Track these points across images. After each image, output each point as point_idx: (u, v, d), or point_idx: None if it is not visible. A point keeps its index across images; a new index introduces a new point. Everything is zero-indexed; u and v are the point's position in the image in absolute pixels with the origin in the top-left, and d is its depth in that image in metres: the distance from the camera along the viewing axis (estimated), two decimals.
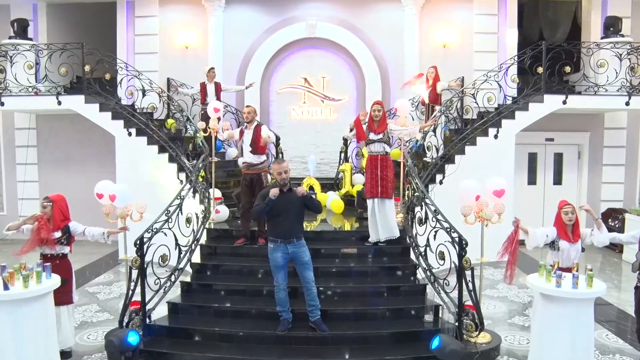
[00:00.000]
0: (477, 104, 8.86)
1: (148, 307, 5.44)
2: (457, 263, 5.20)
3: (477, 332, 5.14)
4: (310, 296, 5.29)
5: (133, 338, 4.83)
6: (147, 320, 5.43)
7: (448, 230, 5.33)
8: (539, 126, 9.26)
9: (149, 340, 5.29)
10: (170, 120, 9.32)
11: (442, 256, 5.47)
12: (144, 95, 9.05)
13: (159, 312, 5.69)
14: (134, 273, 5.28)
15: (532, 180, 10.97)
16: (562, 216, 4.91)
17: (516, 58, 9.30)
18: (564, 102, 8.92)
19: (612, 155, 10.74)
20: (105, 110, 9.09)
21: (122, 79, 9.34)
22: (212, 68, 9.74)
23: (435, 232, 5.59)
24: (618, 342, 5.71)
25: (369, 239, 6.61)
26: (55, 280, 4.45)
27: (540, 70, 8.81)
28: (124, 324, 5.22)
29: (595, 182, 10.83)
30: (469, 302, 5.22)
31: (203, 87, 9.70)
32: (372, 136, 6.51)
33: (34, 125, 10.90)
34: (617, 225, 9.96)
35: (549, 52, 8.86)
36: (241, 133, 6.83)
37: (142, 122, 8.75)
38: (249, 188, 6.70)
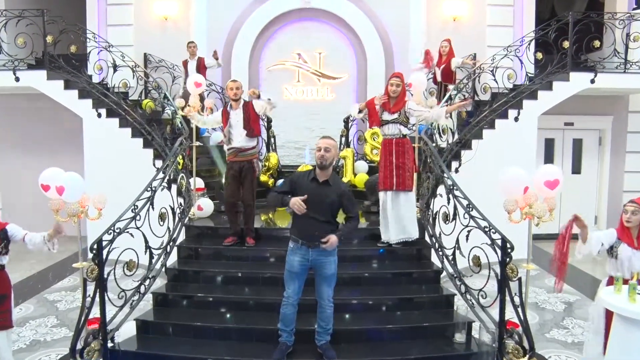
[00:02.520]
0: (497, 82, 7.82)
1: (110, 327, 4.32)
2: (498, 271, 4.16)
3: (527, 359, 4.10)
4: (322, 316, 4.22)
5: None
6: (110, 344, 4.31)
7: (487, 230, 4.28)
8: (557, 109, 8.25)
9: None
10: (145, 101, 8.15)
11: (477, 262, 4.42)
12: (115, 70, 7.84)
13: (126, 332, 4.58)
14: (91, 286, 4.15)
15: None
16: (622, 215, 3.99)
17: (539, 31, 8.24)
18: (592, 81, 7.89)
19: (636, 142, 9.76)
20: (71, 88, 7.88)
21: (90, 51, 8.10)
22: (192, 42, 8.56)
23: (469, 231, 4.53)
24: None
25: (382, 239, 5.56)
26: None
27: (566, 44, 7.77)
28: (79, 350, 4.09)
29: (617, 171, 9.90)
30: (513, 319, 4.21)
31: (185, 64, 8.55)
32: (385, 115, 5.41)
33: None
34: None
35: (577, 24, 7.83)
36: (225, 116, 5.58)
37: (113, 102, 7.57)
38: (237, 178, 5.58)
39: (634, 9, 8.49)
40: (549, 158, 9.98)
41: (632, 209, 4.00)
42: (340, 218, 4.22)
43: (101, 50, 8.12)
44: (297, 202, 3.92)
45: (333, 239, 3.97)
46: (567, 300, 6.50)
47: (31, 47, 7.76)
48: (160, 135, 7.11)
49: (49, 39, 7.67)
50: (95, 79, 8.21)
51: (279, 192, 4.18)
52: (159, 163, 7.21)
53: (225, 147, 5.71)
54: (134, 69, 7.97)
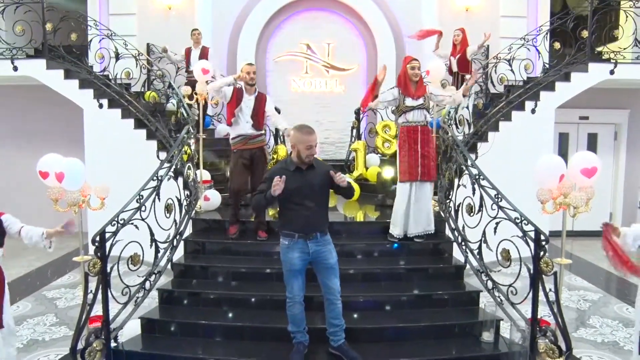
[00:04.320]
0: (513, 72, 7.55)
1: (113, 325, 4.03)
2: (530, 266, 3.88)
3: (563, 359, 3.81)
4: (334, 313, 3.92)
5: None
6: (113, 344, 4.02)
7: (518, 221, 3.99)
8: (571, 102, 7.97)
9: None
10: (148, 92, 7.87)
11: (506, 256, 4.13)
12: (117, 59, 7.54)
13: (130, 331, 4.29)
14: (93, 281, 3.85)
15: None
16: None
17: (557, 21, 7.96)
18: (612, 72, 7.59)
19: None
20: (71, 78, 7.59)
21: (92, 39, 7.80)
22: (196, 29, 8.28)
23: (497, 223, 4.24)
24: None
25: (392, 232, 5.28)
26: None
27: (584, 34, 7.48)
28: (80, 350, 3.80)
29: (633, 167, 9.67)
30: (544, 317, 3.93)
31: (187, 52, 8.26)
32: (409, 102, 5.12)
33: None
34: None
35: (596, 13, 7.54)
36: (237, 96, 5.25)
37: (116, 92, 7.28)
38: (247, 167, 5.27)
39: None
40: (562, 153, 9.69)
41: None
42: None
43: (102, 39, 7.84)
44: (275, 183, 3.63)
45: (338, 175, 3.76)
46: (590, 298, 6.22)
47: (30, 35, 7.48)
48: (165, 126, 6.83)
49: (48, 26, 7.39)
50: (97, 69, 7.93)
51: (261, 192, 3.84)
52: (163, 155, 6.93)
53: (231, 136, 5.37)
54: (137, 57, 7.67)
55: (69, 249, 8.00)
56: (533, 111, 7.57)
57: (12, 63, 7.48)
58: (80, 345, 3.80)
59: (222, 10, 9.23)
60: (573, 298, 6.22)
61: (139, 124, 7.29)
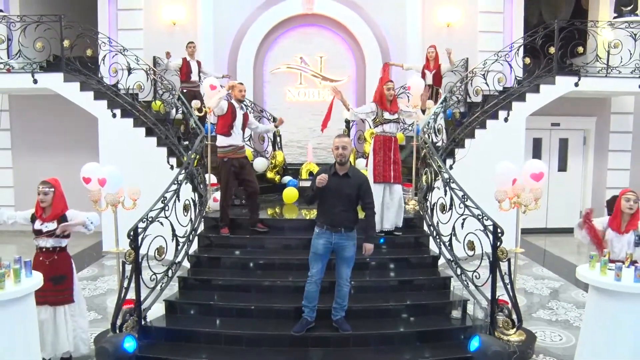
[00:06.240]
0: (488, 85, 8.39)
1: (143, 306, 4.81)
2: (490, 254, 4.70)
3: (515, 330, 4.65)
4: (340, 294, 4.77)
5: (130, 344, 4.22)
6: (142, 322, 4.80)
7: (479, 217, 4.82)
8: (544, 110, 8.83)
9: (145, 344, 4.64)
10: (158, 103, 8.62)
11: (471, 246, 4.96)
12: (129, 72, 8.30)
13: (153, 313, 5.06)
14: (128, 268, 4.62)
15: None
16: (623, 203, 4.33)
17: (527, 38, 8.81)
18: (576, 85, 8.47)
19: (618, 141, 10.38)
20: (86, 90, 8.33)
21: (105, 56, 8.55)
22: (191, 42, 9.03)
23: (464, 219, 5.07)
24: None
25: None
26: (36, 280, 3.77)
27: (552, 50, 8.35)
28: (117, 326, 4.57)
29: (600, 169, 10.49)
30: (503, 297, 4.75)
31: (185, 62, 9.00)
32: (387, 115, 6.01)
33: (7, 106, 10.04)
34: None
35: (562, 31, 8.41)
36: (232, 110, 6.08)
37: (128, 103, 8.04)
38: (238, 174, 6.13)
39: (614, 18, 9.07)
40: (536, 157, 10.51)
41: (634, 197, 4.33)
42: (361, 214, 4.74)
43: (115, 54, 8.57)
44: (319, 177, 4.43)
45: (368, 247, 4.66)
46: (552, 286, 7.06)
47: (49, 50, 8.20)
48: (174, 134, 7.59)
49: (66, 43, 8.10)
50: (110, 81, 8.66)
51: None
52: (172, 160, 7.71)
53: (222, 144, 6.08)
54: (148, 71, 8.42)
55: (82, 247, 8.75)
56: (506, 120, 8.40)
57: (33, 76, 8.21)
58: (118, 322, 4.58)
59: (223, 26, 9.97)
60: (538, 286, 7.06)
61: (149, 132, 8.04)
